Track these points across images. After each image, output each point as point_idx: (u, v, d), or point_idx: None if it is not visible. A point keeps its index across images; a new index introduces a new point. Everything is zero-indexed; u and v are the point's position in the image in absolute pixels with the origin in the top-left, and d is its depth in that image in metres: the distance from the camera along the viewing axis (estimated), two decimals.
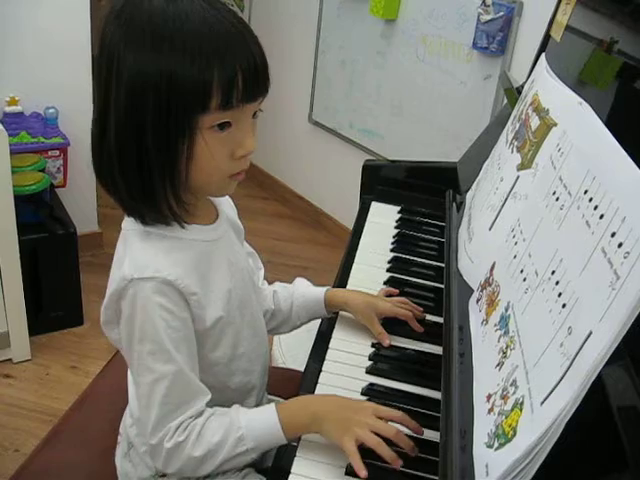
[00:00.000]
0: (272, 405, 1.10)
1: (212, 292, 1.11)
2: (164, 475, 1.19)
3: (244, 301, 1.20)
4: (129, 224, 1.10)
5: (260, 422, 1.08)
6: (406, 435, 1.07)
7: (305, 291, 1.40)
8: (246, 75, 0.99)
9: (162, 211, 1.04)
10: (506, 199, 1.19)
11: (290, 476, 1.04)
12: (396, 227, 1.78)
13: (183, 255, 1.07)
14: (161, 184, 1.01)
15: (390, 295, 1.45)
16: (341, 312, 1.41)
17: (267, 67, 1.03)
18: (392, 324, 1.36)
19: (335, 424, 1.06)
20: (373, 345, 1.34)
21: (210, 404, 1.11)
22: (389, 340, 1.33)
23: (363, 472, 1.00)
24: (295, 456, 1.07)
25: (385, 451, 1.03)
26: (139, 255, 1.05)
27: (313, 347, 1.33)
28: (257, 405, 1.27)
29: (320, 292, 1.39)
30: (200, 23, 0.97)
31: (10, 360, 2.54)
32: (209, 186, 1.08)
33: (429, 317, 1.42)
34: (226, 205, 1.24)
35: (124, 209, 1.08)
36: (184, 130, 0.98)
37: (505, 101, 1.91)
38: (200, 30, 0.97)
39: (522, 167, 1.16)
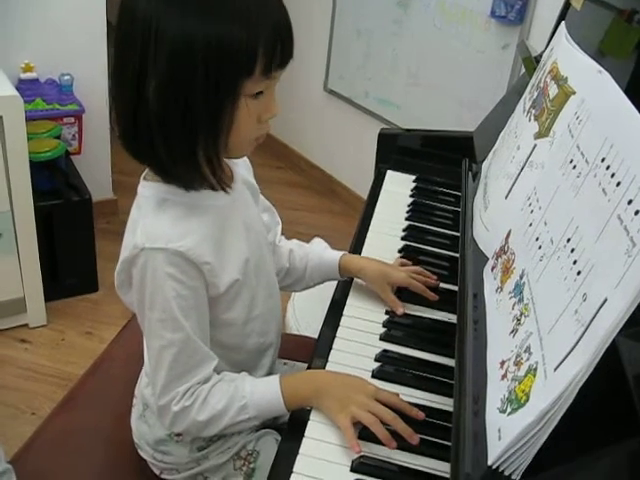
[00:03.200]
0: (277, 377, 1.12)
1: (227, 257, 1.11)
2: (179, 434, 1.21)
3: (260, 265, 1.20)
4: (145, 190, 1.09)
5: (263, 393, 1.10)
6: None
7: (321, 253, 1.41)
8: (283, 40, 0.99)
9: (205, 175, 1.04)
10: (523, 167, 1.19)
11: (304, 439, 1.05)
12: (411, 196, 1.78)
13: (198, 222, 1.07)
14: (204, 147, 1.01)
15: (405, 265, 1.45)
16: (355, 279, 1.41)
17: (292, 32, 1.03)
18: (407, 291, 1.37)
19: (334, 401, 1.07)
20: (387, 312, 1.34)
21: (226, 363, 1.14)
22: (403, 308, 1.33)
23: (357, 448, 1.02)
24: (309, 420, 1.09)
25: (380, 430, 1.04)
26: (152, 224, 1.05)
27: (327, 314, 1.33)
28: (271, 365, 1.29)
29: (336, 256, 1.39)
30: None
31: (26, 325, 2.57)
32: (238, 149, 1.09)
33: (444, 285, 1.42)
34: (241, 166, 1.23)
35: (164, 177, 1.06)
36: (230, 94, 0.98)
37: (522, 71, 1.90)
38: None
39: (539, 135, 1.15)
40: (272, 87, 1.04)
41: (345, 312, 1.33)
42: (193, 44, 0.94)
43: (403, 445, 1.04)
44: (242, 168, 1.24)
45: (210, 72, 0.95)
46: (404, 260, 1.48)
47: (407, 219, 1.67)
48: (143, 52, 0.96)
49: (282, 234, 1.41)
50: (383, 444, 1.04)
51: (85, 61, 2.85)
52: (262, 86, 1.01)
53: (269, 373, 1.25)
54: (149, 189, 1.09)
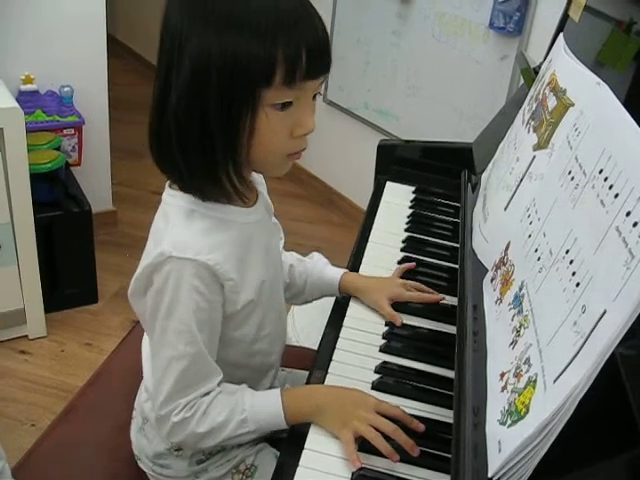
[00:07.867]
0: (277, 391, 1.11)
1: (247, 276, 1.11)
2: (179, 449, 1.21)
3: (274, 287, 1.21)
4: (172, 199, 1.09)
5: (264, 407, 1.10)
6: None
7: (322, 270, 1.41)
8: (310, 51, 0.98)
9: (224, 187, 1.04)
10: (522, 179, 1.19)
11: (304, 451, 1.05)
12: (411, 207, 1.78)
13: (224, 236, 1.07)
14: (223, 160, 1.01)
15: (407, 270, 1.46)
16: None
17: (329, 44, 1.03)
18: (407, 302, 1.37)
19: (335, 416, 1.07)
20: (386, 324, 1.34)
21: (228, 378, 1.13)
22: (401, 319, 1.33)
23: (357, 463, 1.01)
24: (309, 432, 1.08)
25: (382, 444, 1.03)
26: (180, 234, 1.05)
27: (327, 325, 1.33)
28: (271, 384, 1.29)
29: (336, 274, 1.40)
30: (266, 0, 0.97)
31: (26, 336, 2.57)
32: (267, 164, 1.09)
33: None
34: (259, 184, 1.22)
35: (183, 186, 1.07)
36: (247, 105, 0.98)
37: (521, 82, 1.90)
38: (266, 7, 0.96)
39: (538, 147, 1.16)
40: (304, 99, 1.03)
41: (345, 323, 1.33)
42: (211, 58, 0.95)
43: (403, 457, 1.04)
44: (262, 187, 1.23)
45: (224, 82, 0.96)
46: (406, 265, 1.49)
47: (406, 230, 1.68)
48: (169, 64, 0.99)
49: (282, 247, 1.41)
50: (383, 456, 1.03)
51: (85, 73, 2.86)
52: (288, 96, 1.00)
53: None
54: (178, 199, 1.08)
